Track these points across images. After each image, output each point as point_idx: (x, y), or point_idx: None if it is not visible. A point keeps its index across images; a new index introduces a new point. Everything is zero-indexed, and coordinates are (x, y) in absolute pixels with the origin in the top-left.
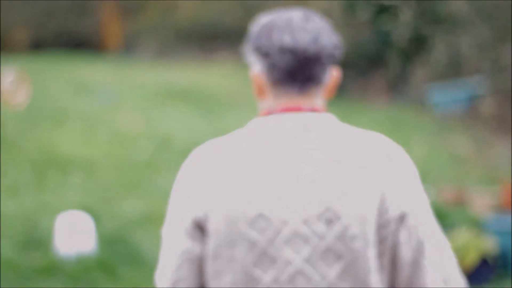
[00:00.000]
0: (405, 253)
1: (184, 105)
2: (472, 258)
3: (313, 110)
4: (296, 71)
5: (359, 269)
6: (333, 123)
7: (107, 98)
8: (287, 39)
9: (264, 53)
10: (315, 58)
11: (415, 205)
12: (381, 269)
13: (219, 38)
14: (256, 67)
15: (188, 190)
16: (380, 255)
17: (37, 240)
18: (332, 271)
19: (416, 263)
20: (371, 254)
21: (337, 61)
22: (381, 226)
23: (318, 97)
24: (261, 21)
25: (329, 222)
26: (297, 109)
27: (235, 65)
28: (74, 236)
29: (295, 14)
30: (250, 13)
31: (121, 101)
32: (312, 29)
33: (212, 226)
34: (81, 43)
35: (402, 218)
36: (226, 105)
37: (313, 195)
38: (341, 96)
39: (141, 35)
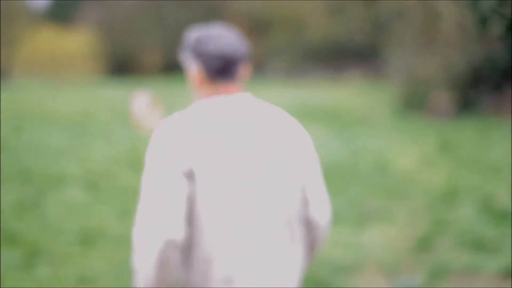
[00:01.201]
0: None
1: (317, 124)
2: None
3: (241, 91)
4: (225, 69)
5: (293, 193)
6: (254, 98)
7: None
8: (220, 48)
9: (204, 58)
10: (237, 61)
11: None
12: None
13: (349, 56)
14: (195, 67)
15: (175, 145)
16: None
17: None
18: (281, 188)
19: None
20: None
21: (247, 60)
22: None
23: (237, 84)
24: (196, 35)
25: (276, 162)
26: (233, 91)
27: (366, 84)
28: None
29: (221, 30)
30: (379, 31)
31: None
32: (234, 41)
33: (201, 174)
34: None
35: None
36: (358, 123)
37: (270, 149)
38: (474, 111)
39: (271, 55)
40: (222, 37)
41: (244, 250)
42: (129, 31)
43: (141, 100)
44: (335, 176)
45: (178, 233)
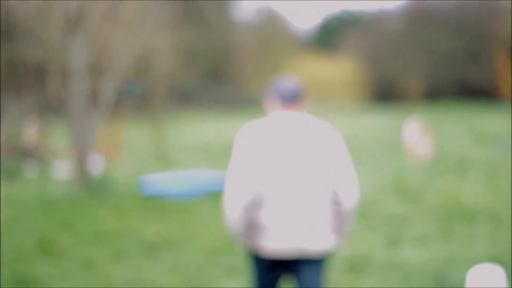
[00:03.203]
0: None
1: None
2: None
3: (298, 111)
4: (290, 101)
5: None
6: (306, 115)
7: (507, 146)
8: (286, 92)
9: (280, 96)
10: (294, 98)
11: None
12: None
13: None
14: (274, 99)
15: (248, 143)
16: None
17: None
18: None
19: None
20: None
21: (303, 97)
22: None
23: (299, 108)
24: (277, 84)
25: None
26: (292, 110)
27: None
28: None
29: (289, 82)
30: None
31: None
32: (294, 88)
33: (261, 161)
34: (475, 91)
35: None
36: None
37: (306, 146)
38: None
39: None
40: (288, 86)
41: (282, 212)
42: (393, 58)
43: (414, 128)
44: None
45: (247, 198)
